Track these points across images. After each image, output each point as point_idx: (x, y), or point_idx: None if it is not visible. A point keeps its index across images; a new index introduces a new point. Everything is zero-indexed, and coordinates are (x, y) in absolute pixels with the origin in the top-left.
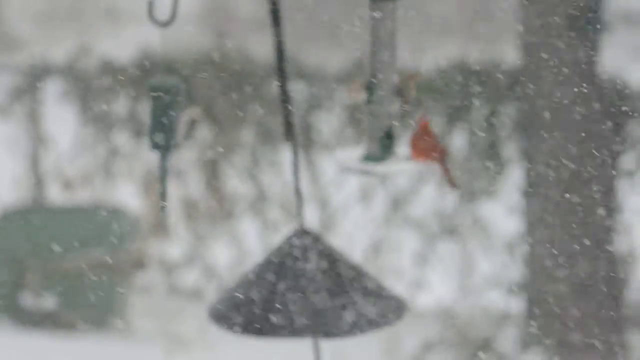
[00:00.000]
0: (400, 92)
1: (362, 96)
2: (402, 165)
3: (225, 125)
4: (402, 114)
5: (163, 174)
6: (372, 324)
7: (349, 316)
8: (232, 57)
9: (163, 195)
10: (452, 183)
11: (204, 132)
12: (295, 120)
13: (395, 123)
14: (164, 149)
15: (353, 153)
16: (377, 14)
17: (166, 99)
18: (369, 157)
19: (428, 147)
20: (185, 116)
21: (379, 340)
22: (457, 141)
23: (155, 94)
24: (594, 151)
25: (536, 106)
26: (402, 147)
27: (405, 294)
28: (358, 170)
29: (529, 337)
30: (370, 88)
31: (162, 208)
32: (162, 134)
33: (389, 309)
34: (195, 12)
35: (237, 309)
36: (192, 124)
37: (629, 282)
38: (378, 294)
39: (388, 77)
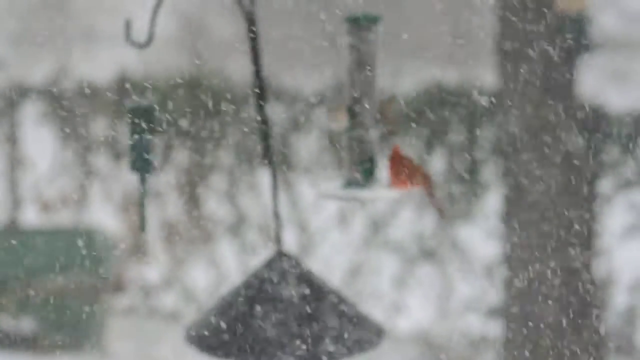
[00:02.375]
0: (379, 117)
1: (345, 122)
2: (384, 192)
3: (203, 147)
4: (382, 139)
5: (142, 197)
6: (350, 350)
7: (327, 342)
8: (210, 79)
9: (142, 218)
10: (440, 212)
11: (182, 155)
12: (273, 143)
13: (376, 149)
14: (143, 171)
15: (334, 179)
16: (356, 38)
17: (144, 121)
18: (350, 183)
19: (406, 174)
20: (162, 139)
21: None
22: (436, 165)
23: (132, 117)
24: (571, 175)
25: (514, 130)
26: (383, 172)
27: (383, 317)
28: (339, 197)
29: None
30: (352, 113)
31: (142, 229)
32: (141, 157)
33: (367, 335)
34: (173, 34)
35: (214, 332)
36: (170, 147)
37: (607, 306)
38: (357, 319)
39: (369, 102)
